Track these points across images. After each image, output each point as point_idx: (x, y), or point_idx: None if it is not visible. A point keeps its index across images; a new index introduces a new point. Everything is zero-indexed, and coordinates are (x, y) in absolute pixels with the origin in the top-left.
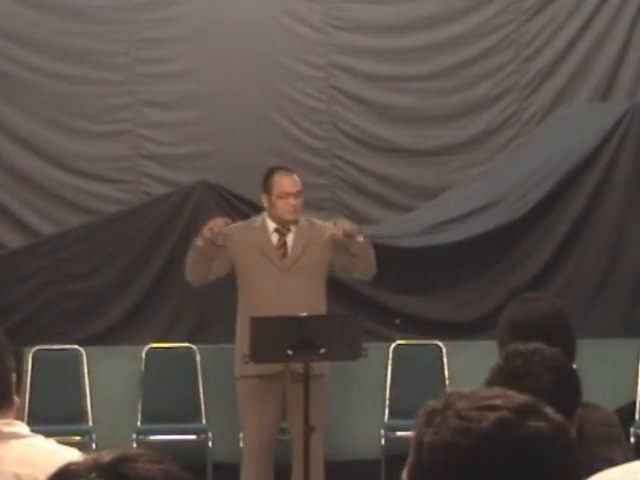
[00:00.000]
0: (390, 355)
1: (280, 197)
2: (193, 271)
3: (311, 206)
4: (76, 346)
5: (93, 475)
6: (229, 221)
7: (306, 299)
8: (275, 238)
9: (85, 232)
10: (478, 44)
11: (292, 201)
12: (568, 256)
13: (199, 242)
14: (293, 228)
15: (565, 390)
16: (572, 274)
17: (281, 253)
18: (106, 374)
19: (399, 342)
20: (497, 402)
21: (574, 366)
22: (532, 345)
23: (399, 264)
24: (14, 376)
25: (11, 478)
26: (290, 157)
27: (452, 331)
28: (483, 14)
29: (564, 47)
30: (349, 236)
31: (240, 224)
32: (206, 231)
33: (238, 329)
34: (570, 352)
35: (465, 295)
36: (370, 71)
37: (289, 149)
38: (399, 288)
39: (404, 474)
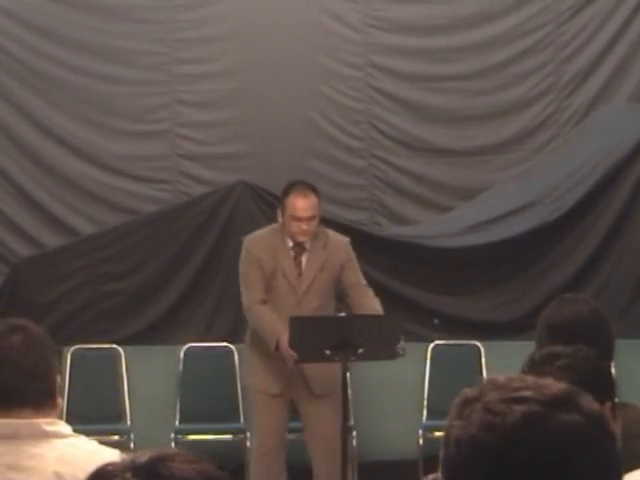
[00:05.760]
0: (428, 355)
1: (291, 219)
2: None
3: (349, 206)
4: (115, 345)
5: (129, 475)
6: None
7: None
8: (292, 255)
9: (124, 232)
10: (517, 44)
11: (303, 226)
12: (607, 256)
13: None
14: (308, 246)
15: (586, 384)
16: (611, 274)
17: (297, 272)
18: (144, 373)
19: (437, 342)
20: (527, 394)
21: (612, 366)
22: (546, 351)
23: (437, 264)
24: (58, 377)
25: (52, 476)
26: (328, 157)
27: (490, 331)
28: (522, 15)
29: (603, 47)
30: None
31: (260, 237)
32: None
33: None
34: (608, 352)
35: (503, 296)
36: (408, 71)
37: (327, 149)
38: (437, 288)
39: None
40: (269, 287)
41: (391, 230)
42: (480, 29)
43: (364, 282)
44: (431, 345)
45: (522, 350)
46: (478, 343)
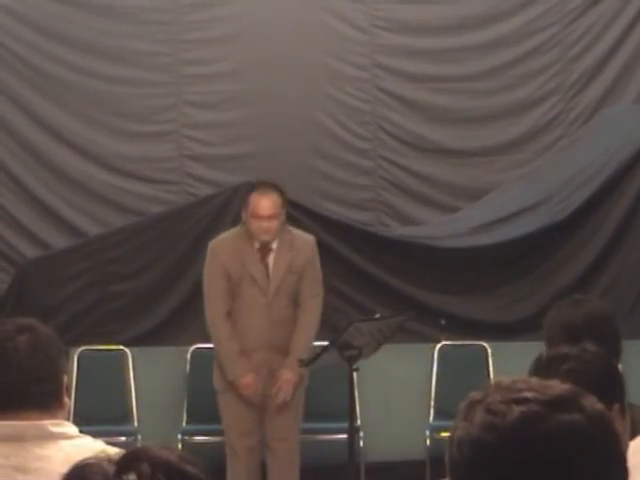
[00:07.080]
0: (435, 356)
1: (251, 218)
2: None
3: (355, 206)
4: (121, 347)
5: (105, 463)
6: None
7: (287, 326)
8: (258, 257)
9: (130, 233)
10: (523, 45)
11: (264, 224)
12: (613, 257)
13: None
14: (274, 247)
15: (593, 387)
16: (617, 275)
17: (264, 274)
18: (151, 375)
19: (444, 343)
20: (528, 395)
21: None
22: (553, 353)
23: (444, 265)
24: (65, 378)
25: (59, 478)
26: (335, 158)
27: (497, 332)
28: (528, 15)
29: (609, 48)
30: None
31: (226, 241)
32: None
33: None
34: (617, 352)
35: (510, 296)
36: (414, 72)
37: (334, 150)
38: (444, 289)
39: None
40: (237, 293)
41: (397, 231)
42: (486, 29)
43: (317, 292)
44: (438, 345)
45: (529, 350)
46: (485, 343)
